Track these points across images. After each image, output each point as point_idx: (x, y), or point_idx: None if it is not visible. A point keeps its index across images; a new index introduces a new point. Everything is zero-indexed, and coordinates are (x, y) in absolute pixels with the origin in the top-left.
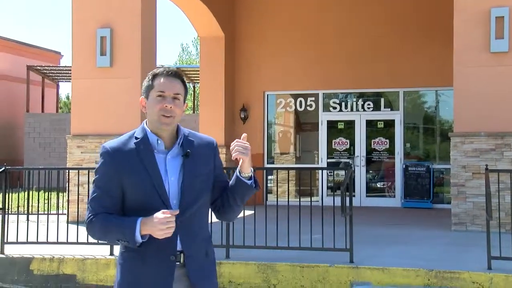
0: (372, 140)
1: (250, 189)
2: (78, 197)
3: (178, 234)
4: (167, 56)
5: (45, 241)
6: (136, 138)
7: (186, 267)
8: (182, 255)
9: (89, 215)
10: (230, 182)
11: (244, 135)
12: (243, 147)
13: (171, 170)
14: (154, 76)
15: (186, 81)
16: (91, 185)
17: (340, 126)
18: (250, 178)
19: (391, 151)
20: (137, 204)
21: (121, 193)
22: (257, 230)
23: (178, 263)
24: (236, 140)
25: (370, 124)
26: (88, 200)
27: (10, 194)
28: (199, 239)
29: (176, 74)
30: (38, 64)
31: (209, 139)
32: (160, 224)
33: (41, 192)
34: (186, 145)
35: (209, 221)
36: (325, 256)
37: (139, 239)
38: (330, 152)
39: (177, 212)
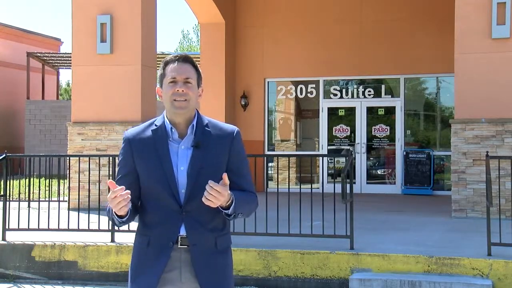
0: (373, 127)
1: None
2: (79, 184)
3: (184, 223)
4: (167, 43)
5: (47, 228)
6: (156, 125)
7: (191, 255)
8: (187, 243)
9: None
10: None
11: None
12: (213, 194)
13: (182, 160)
14: (166, 64)
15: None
16: (92, 172)
17: (341, 113)
18: (227, 208)
19: (391, 138)
20: (149, 190)
21: (137, 178)
22: (258, 217)
23: (184, 246)
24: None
25: (370, 111)
26: None
27: (11, 181)
28: (208, 229)
29: (186, 58)
30: (38, 51)
31: (229, 130)
32: (110, 200)
33: (42, 179)
34: (199, 135)
35: None
36: (325, 242)
37: (114, 215)
38: (331, 139)
39: (118, 188)
